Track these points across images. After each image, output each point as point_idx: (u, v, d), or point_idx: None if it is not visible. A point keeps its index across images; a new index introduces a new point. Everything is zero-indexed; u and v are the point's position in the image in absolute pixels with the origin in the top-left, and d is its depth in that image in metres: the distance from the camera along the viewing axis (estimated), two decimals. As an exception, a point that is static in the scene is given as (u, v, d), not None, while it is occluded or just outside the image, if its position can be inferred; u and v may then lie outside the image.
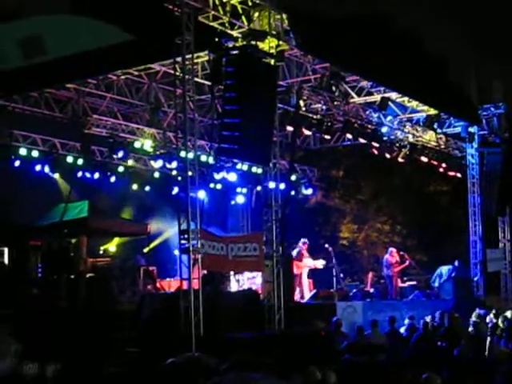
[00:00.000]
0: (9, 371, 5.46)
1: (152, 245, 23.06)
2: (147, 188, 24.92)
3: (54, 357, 9.78)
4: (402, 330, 17.12)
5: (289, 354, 12.01)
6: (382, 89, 21.54)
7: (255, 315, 17.11)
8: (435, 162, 25.54)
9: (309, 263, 21.47)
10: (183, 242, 15.03)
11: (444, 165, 25.84)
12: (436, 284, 24.15)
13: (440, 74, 22.32)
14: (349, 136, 23.07)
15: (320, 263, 21.74)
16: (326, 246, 23.57)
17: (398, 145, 24.40)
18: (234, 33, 16.24)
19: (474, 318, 17.87)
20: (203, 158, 23.67)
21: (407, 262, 23.71)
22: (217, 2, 15.79)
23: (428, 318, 17.40)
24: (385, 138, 23.79)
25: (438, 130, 24.51)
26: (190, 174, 15.20)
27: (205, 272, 17.34)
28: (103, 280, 19.45)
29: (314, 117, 21.53)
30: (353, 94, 21.65)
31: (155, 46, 16.12)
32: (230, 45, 15.97)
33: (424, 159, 25.10)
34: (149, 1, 16.17)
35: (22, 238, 19.59)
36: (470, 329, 16.60)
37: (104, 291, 18.82)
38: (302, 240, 21.50)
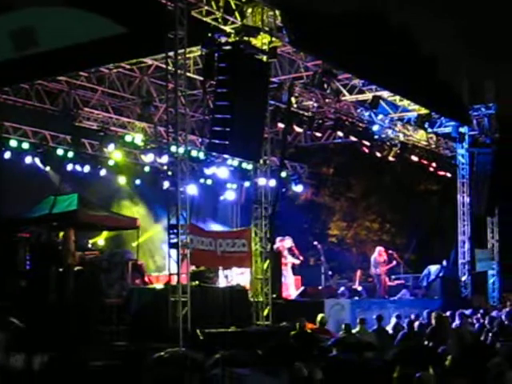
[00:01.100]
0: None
1: (141, 239, 22.99)
2: (137, 182, 24.89)
3: (41, 349, 9.78)
4: (389, 328, 17.15)
5: (276, 351, 12.02)
6: (373, 87, 21.58)
7: (243, 311, 17.12)
8: (425, 162, 25.61)
9: (289, 260, 21.48)
10: (172, 236, 15.02)
11: (434, 164, 25.90)
12: (424, 283, 24.23)
13: (432, 74, 22.37)
14: (340, 134, 23.12)
15: (295, 259, 21.75)
16: (315, 243, 23.66)
17: (388, 143, 24.45)
18: (227, 28, 16.22)
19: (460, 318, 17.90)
20: (194, 152, 23.64)
21: (394, 262, 23.75)
22: (210, -3, 15.79)
23: (413, 316, 17.41)
24: (376, 137, 23.85)
25: (429, 130, 24.55)
26: (180, 168, 15.20)
27: (193, 267, 17.35)
28: (91, 273, 19.37)
29: (306, 114, 21.55)
30: (344, 91, 21.67)
31: (148, 39, 16.07)
32: (223, 40, 15.96)
33: (414, 158, 25.16)
34: (142, -6, 16.13)
35: (10, 229, 19.50)
36: (457, 328, 16.60)
37: (92, 285, 18.76)
38: (279, 238, 21.41)
